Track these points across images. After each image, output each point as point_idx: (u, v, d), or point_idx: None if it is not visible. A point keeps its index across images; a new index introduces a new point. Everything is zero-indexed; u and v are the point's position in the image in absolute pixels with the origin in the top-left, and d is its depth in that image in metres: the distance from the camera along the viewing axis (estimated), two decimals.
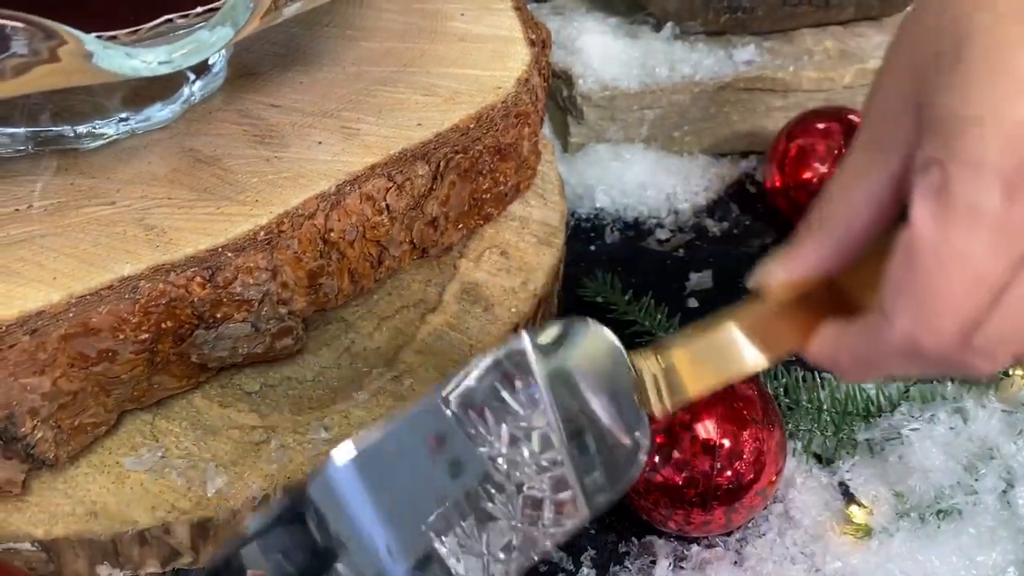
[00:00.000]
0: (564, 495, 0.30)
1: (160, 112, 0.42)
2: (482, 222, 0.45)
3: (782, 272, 0.32)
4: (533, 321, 0.44)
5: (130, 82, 0.42)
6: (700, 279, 0.52)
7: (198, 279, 0.34)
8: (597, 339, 0.31)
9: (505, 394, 0.30)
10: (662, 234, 0.56)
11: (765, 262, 0.32)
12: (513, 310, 0.43)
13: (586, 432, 0.31)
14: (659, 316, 0.48)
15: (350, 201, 0.38)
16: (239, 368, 0.39)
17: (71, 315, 0.32)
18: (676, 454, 0.38)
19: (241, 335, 0.36)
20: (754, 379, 0.39)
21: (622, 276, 0.51)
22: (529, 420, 0.30)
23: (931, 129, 0.27)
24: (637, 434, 0.31)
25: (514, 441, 0.30)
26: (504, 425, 0.30)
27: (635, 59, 0.59)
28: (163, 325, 0.34)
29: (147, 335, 0.33)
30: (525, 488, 0.30)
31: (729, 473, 0.38)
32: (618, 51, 0.59)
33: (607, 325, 0.33)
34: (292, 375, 0.39)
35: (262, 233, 0.36)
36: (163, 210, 0.36)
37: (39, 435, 0.32)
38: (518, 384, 0.31)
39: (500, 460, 0.30)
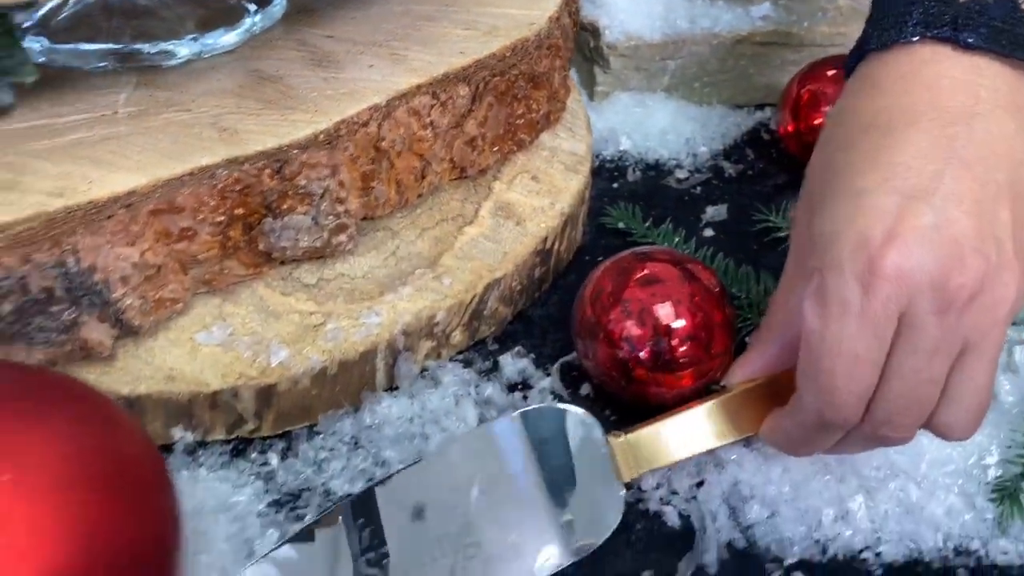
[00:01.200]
0: (546, 542, 0.36)
1: (225, 38, 0.46)
2: (515, 148, 0.49)
3: (741, 371, 0.40)
4: (560, 238, 0.48)
5: (199, 11, 0.46)
6: (716, 211, 0.56)
7: (268, 171, 0.38)
8: (578, 419, 0.38)
9: (493, 454, 0.37)
10: (681, 174, 0.59)
11: (733, 364, 0.40)
12: (542, 225, 0.47)
13: (569, 492, 0.37)
14: (676, 239, 0.52)
15: (399, 114, 0.42)
16: (298, 264, 0.43)
17: (158, 195, 0.36)
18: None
19: (303, 227, 0.40)
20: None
21: (643, 208, 0.55)
22: (516, 480, 0.36)
23: (812, 245, 0.35)
24: (611, 498, 0.37)
25: (499, 501, 0.36)
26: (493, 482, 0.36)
27: (658, 12, 0.63)
28: (236, 211, 0.38)
29: (222, 218, 0.38)
30: (508, 539, 0.35)
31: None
32: (642, 4, 0.63)
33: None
34: (345, 272, 0.44)
35: (322, 136, 0.40)
36: (234, 116, 0.41)
37: (128, 302, 0.36)
38: (509, 450, 0.37)
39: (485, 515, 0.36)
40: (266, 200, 0.38)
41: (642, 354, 0.41)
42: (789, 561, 0.38)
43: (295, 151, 0.39)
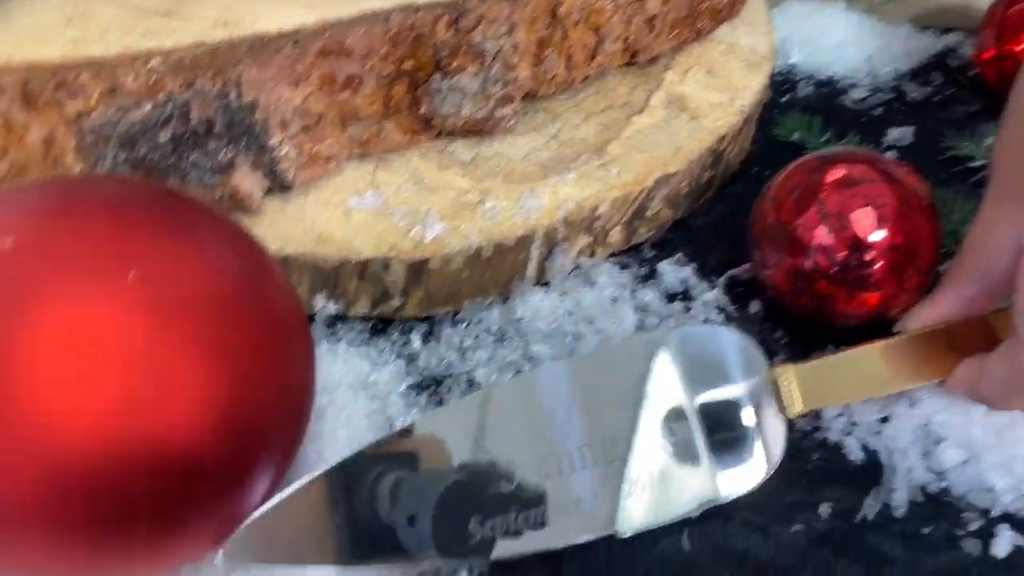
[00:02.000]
0: (698, 475, 0.32)
1: None
2: (693, 36, 0.45)
3: (927, 313, 0.36)
4: (735, 140, 0.44)
5: None
6: (900, 134, 0.50)
7: (444, 19, 0.34)
8: (741, 346, 0.34)
9: (644, 370, 0.33)
10: (857, 93, 0.54)
11: (914, 307, 0.36)
12: (720, 123, 0.42)
13: (725, 423, 0.33)
14: None
15: None
16: (453, 139, 0.40)
17: (327, 35, 0.33)
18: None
19: (469, 92, 0.37)
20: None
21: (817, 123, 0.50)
22: (668, 402, 0.33)
23: None
24: (774, 434, 0.33)
25: (650, 420, 0.33)
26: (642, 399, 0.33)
27: None
28: (404, 64, 0.35)
29: (390, 69, 0.34)
30: (655, 463, 0.32)
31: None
32: None
33: None
34: (502, 151, 0.40)
35: None
36: None
37: (284, 151, 0.34)
38: (661, 369, 0.33)
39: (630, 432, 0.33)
40: (437, 55, 0.35)
41: (831, 266, 0.36)
42: (993, 512, 0.33)
43: (474, 1, 0.35)
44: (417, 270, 0.36)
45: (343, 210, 0.37)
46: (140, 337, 0.24)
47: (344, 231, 0.36)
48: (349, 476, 0.30)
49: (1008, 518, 0.33)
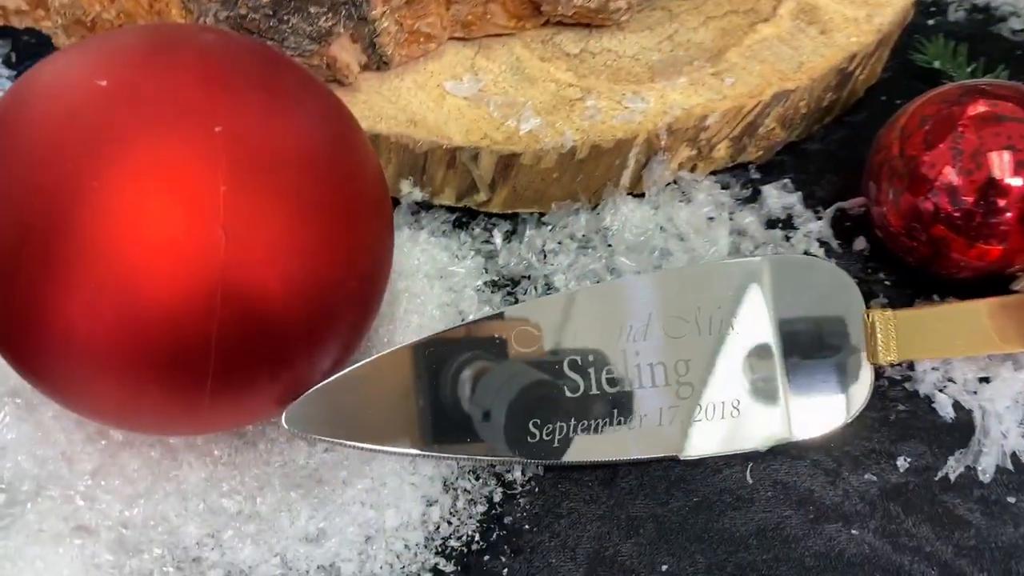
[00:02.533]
0: (772, 411, 0.31)
1: None
2: None
3: None
4: (866, 61, 0.40)
5: None
6: None
7: None
8: (838, 282, 0.32)
9: (731, 294, 0.32)
10: (1018, 23, 0.48)
11: None
12: (853, 39, 0.39)
13: (808, 361, 0.31)
14: None
15: None
16: (561, 29, 0.38)
17: None
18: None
19: None
20: None
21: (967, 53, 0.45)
22: (750, 329, 0.31)
23: None
24: (858, 380, 0.31)
25: (728, 348, 0.31)
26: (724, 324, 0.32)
27: None
28: None
29: None
30: (730, 388, 0.31)
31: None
32: None
33: None
34: (612, 47, 0.38)
35: None
36: None
37: (384, 24, 0.33)
38: (748, 296, 0.32)
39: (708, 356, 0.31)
40: None
41: (954, 209, 0.33)
42: None
43: None
44: (507, 164, 0.35)
45: (438, 93, 0.35)
46: (219, 189, 0.24)
47: (437, 115, 0.35)
48: (428, 359, 0.30)
49: None
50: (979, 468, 0.31)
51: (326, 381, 0.27)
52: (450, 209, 0.38)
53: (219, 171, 0.24)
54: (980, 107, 0.34)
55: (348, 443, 0.28)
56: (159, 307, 0.24)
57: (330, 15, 0.31)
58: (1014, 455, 0.32)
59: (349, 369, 0.28)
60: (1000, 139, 0.33)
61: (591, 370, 0.30)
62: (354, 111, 0.34)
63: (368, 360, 0.29)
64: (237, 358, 0.25)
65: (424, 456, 0.29)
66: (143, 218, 0.24)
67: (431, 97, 0.35)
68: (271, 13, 0.30)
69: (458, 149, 0.35)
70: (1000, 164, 0.33)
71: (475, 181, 0.36)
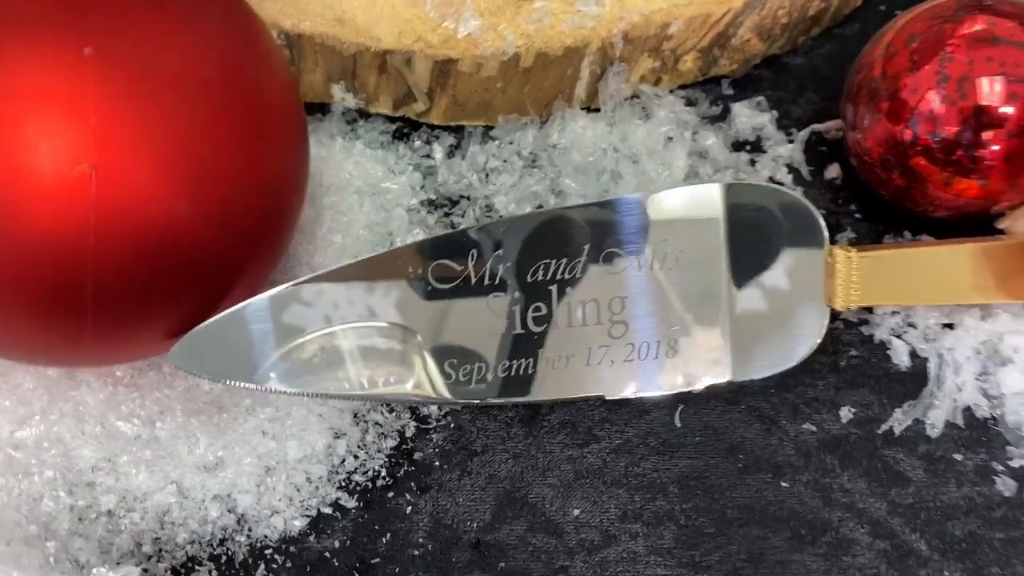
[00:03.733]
0: (712, 352, 0.28)
1: None
2: None
3: None
4: None
5: None
6: None
7: None
8: (801, 214, 0.29)
9: (680, 223, 0.29)
10: None
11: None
12: None
13: (757, 300, 0.29)
14: None
15: None
16: None
17: None
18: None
19: None
20: None
21: None
22: (697, 263, 0.29)
23: None
24: (810, 323, 0.28)
25: (673, 277, 0.29)
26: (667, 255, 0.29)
27: None
28: None
29: None
30: (667, 327, 0.28)
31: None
32: None
33: None
34: None
35: None
36: None
37: None
38: (697, 226, 0.29)
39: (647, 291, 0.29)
40: None
41: (935, 139, 0.30)
42: None
43: None
44: (443, 70, 0.32)
45: None
46: (89, 120, 0.21)
47: (367, 14, 0.32)
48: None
49: None
50: (928, 422, 0.29)
51: (215, 317, 0.25)
52: (390, 119, 0.35)
53: (88, 100, 0.21)
54: (976, 25, 0.30)
55: (237, 383, 0.26)
56: (28, 246, 0.22)
57: None
58: (967, 410, 0.29)
59: (241, 305, 0.26)
60: (992, 64, 0.29)
61: (516, 308, 0.28)
62: (275, 7, 0.32)
63: (266, 294, 0.27)
64: (117, 295, 0.23)
65: (317, 396, 0.27)
66: (10, 141, 0.21)
67: None
68: None
69: (389, 52, 0.32)
70: (990, 92, 0.29)
71: (411, 89, 0.33)
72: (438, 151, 0.35)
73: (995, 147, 0.29)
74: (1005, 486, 0.28)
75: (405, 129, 0.35)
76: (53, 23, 0.22)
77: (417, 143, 0.35)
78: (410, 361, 0.28)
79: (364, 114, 0.35)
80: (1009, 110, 0.29)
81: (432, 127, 0.35)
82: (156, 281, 0.24)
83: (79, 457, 0.27)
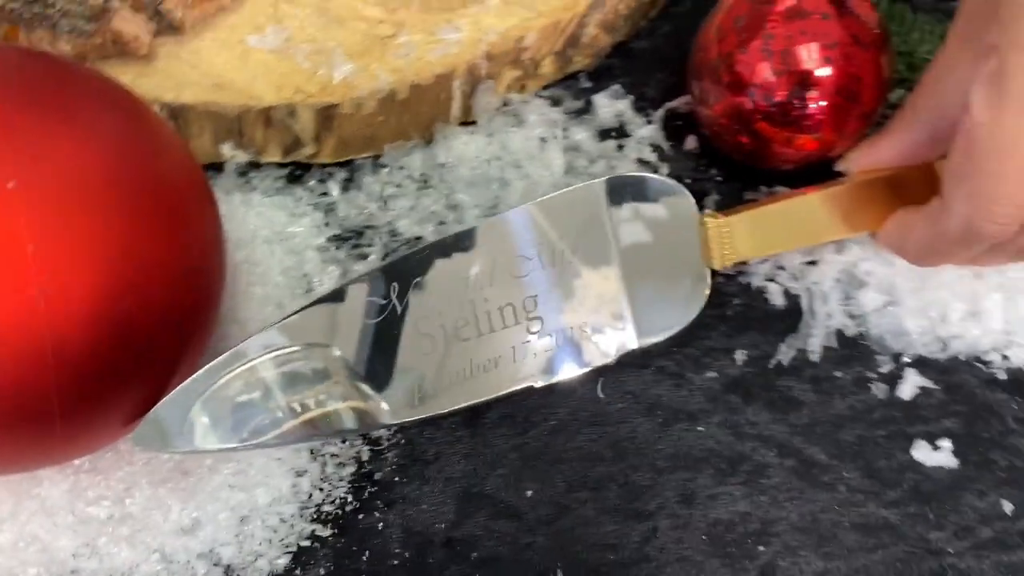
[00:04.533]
0: (618, 326, 0.32)
1: None
2: None
3: (867, 157, 0.34)
4: None
5: None
6: None
7: None
8: (672, 194, 0.32)
9: (571, 221, 0.32)
10: None
11: (855, 147, 0.34)
12: None
13: (648, 273, 0.32)
14: None
15: None
16: None
17: None
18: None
19: None
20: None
21: None
22: (590, 253, 0.32)
23: (997, 17, 0.27)
24: (696, 284, 0.32)
25: (572, 274, 0.32)
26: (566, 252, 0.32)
27: None
28: None
29: None
30: (576, 312, 0.32)
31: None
32: None
33: None
34: None
35: None
36: None
37: None
38: (586, 220, 0.32)
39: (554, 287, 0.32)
40: None
41: (771, 105, 0.34)
42: (905, 356, 0.34)
43: None
44: (326, 115, 0.34)
45: (241, 50, 0.34)
46: (27, 249, 0.22)
47: (243, 75, 0.33)
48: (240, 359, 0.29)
49: (918, 362, 0.34)
50: (809, 349, 0.34)
51: (166, 398, 0.27)
52: (281, 164, 0.37)
53: (22, 231, 0.22)
54: (788, 3, 0.34)
55: (202, 450, 0.28)
56: None
57: None
58: (839, 332, 0.34)
59: (188, 381, 0.28)
60: (806, 36, 0.33)
61: (442, 326, 0.31)
62: (152, 82, 0.33)
63: (204, 368, 0.28)
64: (80, 399, 0.25)
65: (283, 446, 0.29)
66: None
67: (235, 55, 0.34)
68: (32, 0, 0.28)
69: (271, 108, 0.33)
70: (808, 59, 0.34)
71: (298, 136, 0.35)
72: (334, 188, 0.37)
73: (822, 103, 0.34)
74: (879, 390, 0.33)
75: (297, 172, 0.37)
76: None
77: (312, 182, 0.37)
78: (342, 385, 0.30)
79: (255, 165, 0.37)
80: (827, 72, 0.33)
81: (323, 165, 0.37)
82: (113, 377, 0.25)
83: (57, 549, 0.29)
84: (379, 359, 0.30)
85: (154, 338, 0.25)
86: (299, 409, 0.29)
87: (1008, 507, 0.32)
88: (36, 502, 0.29)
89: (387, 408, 0.30)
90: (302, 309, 0.30)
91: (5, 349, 0.22)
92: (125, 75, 0.32)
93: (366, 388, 0.30)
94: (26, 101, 0.23)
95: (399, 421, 0.30)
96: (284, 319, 0.29)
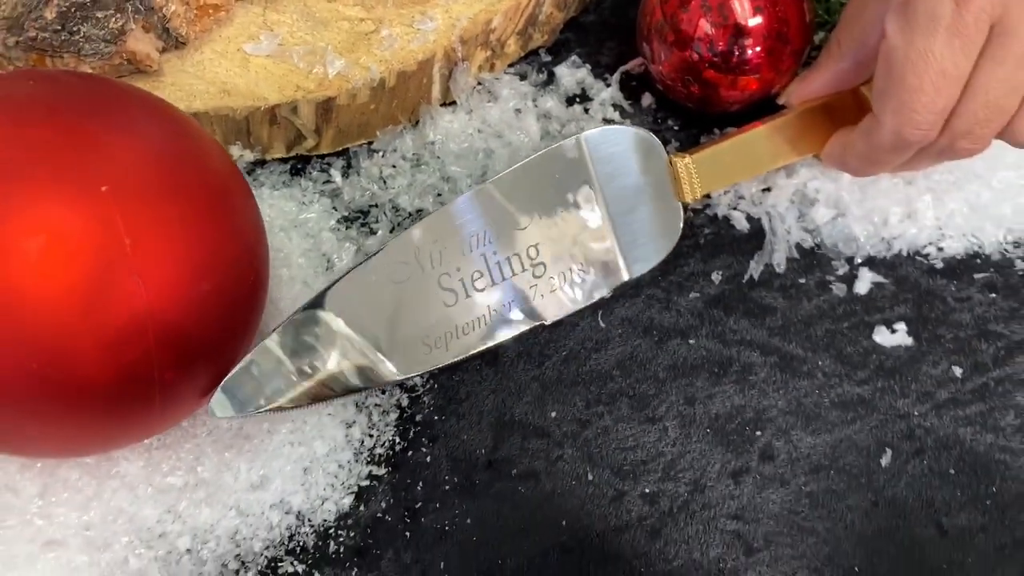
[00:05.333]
0: (609, 262, 0.36)
1: None
2: None
3: (804, 88, 0.38)
4: None
5: None
6: None
7: None
8: (641, 141, 0.37)
9: (557, 176, 0.36)
10: None
11: (792, 82, 0.39)
12: None
13: (630, 213, 0.37)
14: None
15: None
16: None
17: None
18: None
19: None
20: None
21: None
22: (578, 201, 0.36)
23: None
24: (672, 218, 0.37)
25: (564, 223, 0.36)
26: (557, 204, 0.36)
27: None
28: None
29: None
30: (573, 255, 0.36)
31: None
32: None
33: None
34: None
35: None
36: None
37: (172, 8, 0.34)
38: (570, 173, 0.36)
39: (551, 235, 0.36)
40: None
41: (714, 55, 0.39)
42: (857, 258, 0.39)
43: None
44: (325, 108, 0.38)
45: (241, 58, 0.37)
46: (124, 243, 0.26)
47: (246, 79, 0.37)
48: (300, 327, 0.33)
49: (868, 261, 0.39)
50: (775, 263, 0.39)
51: (234, 370, 0.30)
52: (283, 160, 0.40)
53: (119, 227, 0.26)
54: None
55: (277, 408, 0.31)
56: (97, 365, 0.26)
57: (118, 15, 0.31)
58: (798, 245, 0.39)
59: (250, 355, 0.31)
60: None
61: (460, 280, 0.35)
62: (166, 95, 0.36)
63: (262, 341, 0.32)
64: (177, 382, 0.28)
65: (343, 396, 0.33)
66: (62, 295, 0.25)
67: (235, 63, 0.37)
68: (60, 27, 0.30)
69: (276, 106, 0.37)
70: (741, 10, 0.38)
71: (300, 130, 0.38)
72: (336, 175, 0.40)
73: (757, 48, 0.39)
74: (839, 289, 0.38)
75: (299, 165, 0.41)
76: (64, 168, 0.26)
77: (315, 173, 0.40)
78: (396, 350, 0.34)
79: (260, 163, 0.40)
80: (758, 20, 0.38)
81: (321, 156, 0.41)
82: (198, 352, 0.28)
83: (143, 517, 0.32)
84: (410, 316, 0.34)
85: (226, 314, 0.28)
86: (310, 372, 0.33)
87: (958, 371, 0.37)
88: (117, 480, 0.32)
89: (401, 363, 0.33)
90: (332, 283, 0.33)
91: (117, 335, 0.25)
92: None
93: (375, 348, 0.34)
94: (89, 115, 0.26)
95: (435, 369, 0.34)
96: (328, 288, 0.33)
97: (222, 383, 0.30)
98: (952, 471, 0.35)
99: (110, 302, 0.25)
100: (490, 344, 0.35)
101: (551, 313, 0.36)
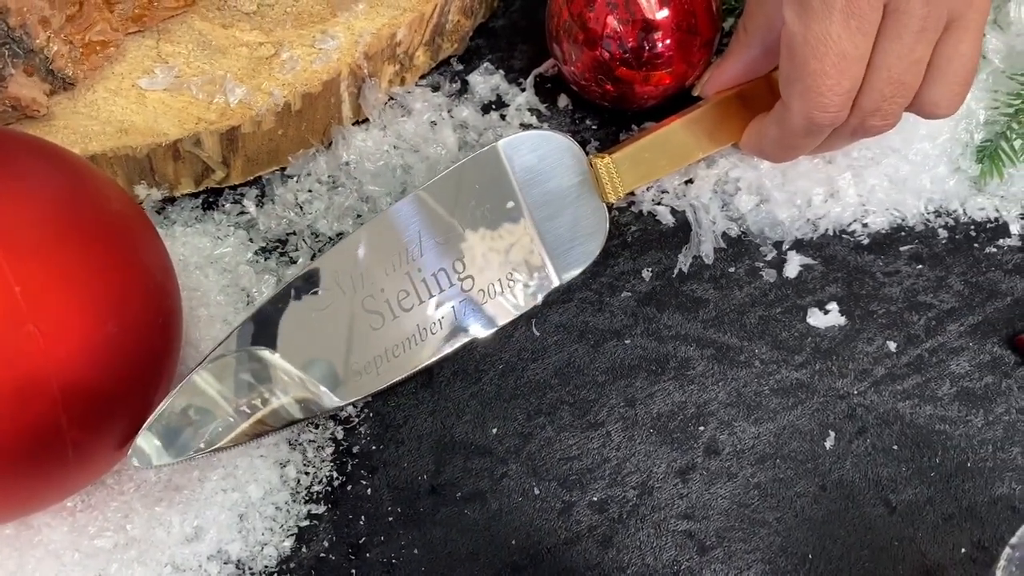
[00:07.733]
0: (538, 269, 0.36)
1: None
2: None
3: (716, 80, 0.39)
4: None
5: None
6: None
7: None
8: (559, 144, 0.36)
9: (478, 187, 0.36)
10: None
11: (705, 74, 0.39)
12: None
13: (554, 218, 0.36)
14: None
15: None
16: None
17: None
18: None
19: None
20: None
21: None
22: (501, 210, 0.36)
23: None
24: (597, 219, 0.36)
25: (488, 234, 0.36)
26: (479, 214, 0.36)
27: None
28: None
29: None
30: (501, 266, 0.35)
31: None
32: None
33: None
34: None
35: None
36: None
37: (55, 48, 0.32)
38: (491, 183, 0.36)
39: (476, 247, 0.35)
40: None
41: (624, 52, 0.38)
42: (784, 243, 0.39)
43: None
44: (230, 138, 0.36)
45: (136, 94, 0.35)
46: (14, 290, 0.24)
47: (144, 116, 0.35)
48: (230, 365, 0.31)
49: (796, 244, 0.39)
50: (703, 254, 0.39)
51: (152, 416, 0.29)
52: (193, 195, 0.39)
53: (6, 274, 0.24)
54: None
55: (198, 455, 0.30)
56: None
57: None
58: (724, 234, 0.39)
59: (167, 401, 0.30)
60: None
61: (386, 301, 0.34)
62: (59, 139, 0.34)
63: (180, 385, 0.30)
64: (90, 432, 0.27)
65: (268, 435, 0.31)
66: None
67: (131, 100, 0.35)
68: None
69: (178, 141, 0.35)
70: (648, 6, 0.38)
71: (207, 163, 0.37)
72: (250, 205, 0.39)
73: (667, 41, 0.39)
74: (769, 275, 0.38)
75: (211, 199, 0.39)
76: None
77: (228, 205, 0.39)
78: (322, 381, 0.33)
79: (169, 200, 0.38)
80: (665, 13, 0.38)
81: (233, 187, 0.39)
82: (110, 401, 0.27)
83: None
84: (329, 344, 0.33)
85: (136, 358, 0.27)
86: (248, 411, 0.32)
87: (892, 345, 0.37)
88: (40, 549, 0.30)
89: (332, 392, 0.32)
90: (252, 317, 0.32)
91: (14, 389, 0.24)
92: None
93: (307, 378, 0.33)
94: None
95: (366, 396, 0.33)
96: (242, 325, 0.31)
97: (156, 430, 0.29)
98: (895, 447, 0.35)
99: (4, 354, 0.24)
100: (422, 365, 0.34)
101: (483, 326, 0.35)
